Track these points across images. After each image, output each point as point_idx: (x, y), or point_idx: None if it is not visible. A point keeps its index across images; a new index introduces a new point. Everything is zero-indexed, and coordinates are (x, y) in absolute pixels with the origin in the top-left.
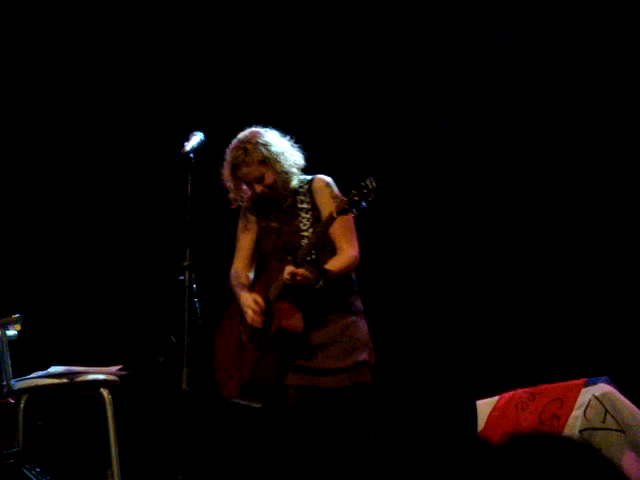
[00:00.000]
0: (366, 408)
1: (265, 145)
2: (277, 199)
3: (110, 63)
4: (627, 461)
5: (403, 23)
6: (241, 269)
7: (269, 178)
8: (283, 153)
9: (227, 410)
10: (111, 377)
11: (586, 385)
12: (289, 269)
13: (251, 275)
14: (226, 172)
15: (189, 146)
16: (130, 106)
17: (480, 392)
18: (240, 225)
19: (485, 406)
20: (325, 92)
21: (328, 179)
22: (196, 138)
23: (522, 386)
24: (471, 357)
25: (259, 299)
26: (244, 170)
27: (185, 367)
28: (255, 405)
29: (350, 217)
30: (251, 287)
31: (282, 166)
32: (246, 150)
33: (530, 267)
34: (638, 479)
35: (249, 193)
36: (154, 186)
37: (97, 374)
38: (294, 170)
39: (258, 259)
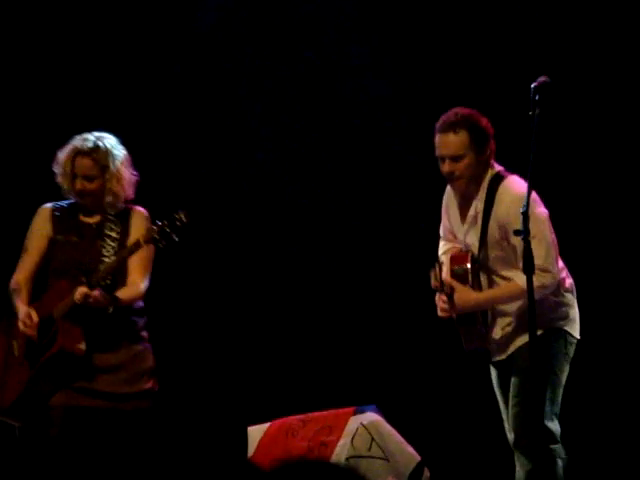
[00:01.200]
0: (146, 433)
1: (115, 157)
2: (86, 209)
3: None
4: None
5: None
6: (23, 280)
7: (97, 184)
8: (121, 176)
9: None
10: None
11: (354, 413)
12: (82, 290)
13: (29, 287)
14: (65, 155)
15: None
16: None
17: (251, 418)
18: (34, 231)
19: (256, 432)
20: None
21: (146, 212)
22: None
23: (293, 413)
24: (244, 383)
25: (33, 314)
26: (84, 161)
27: None
28: (14, 424)
29: (151, 249)
30: (35, 301)
31: (116, 186)
32: (97, 146)
33: (292, 293)
34: None
35: (70, 187)
36: None
37: None
38: (119, 197)
39: (42, 270)
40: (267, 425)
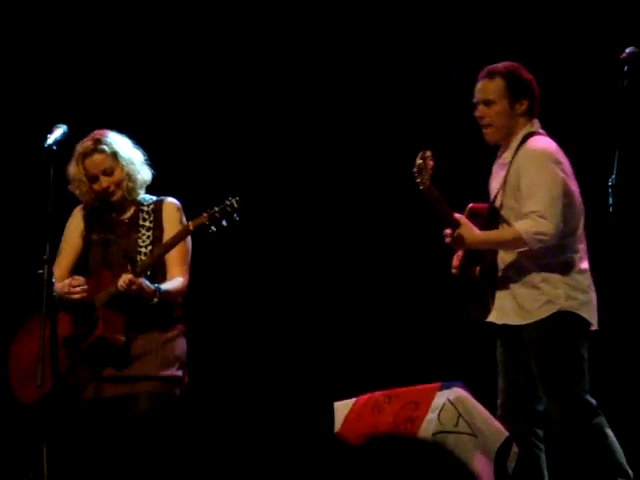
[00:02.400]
0: (170, 421)
1: (118, 142)
2: (118, 206)
3: None
4: (478, 465)
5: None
6: (60, 280)
7: (118, 174)
8: (134, 158)
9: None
10: None
11: (441, 389)
12: (126, 277)
13: None
14: (73, 165)
15: (52, 139)
16: None
17: (338, 394)
18: (69, 232)
19: (342, 408)
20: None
21: (178, 204)
22: (59, 131)
23: (379, 388)
24: (328, 359)
25: (76, 276)
26: (95, 157)
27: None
28: (55, 413)
29: (188, 244)
30: None
31: (132, 169)
32: (99, 141)
33: (379, 272)
34: None
35: (92, 194)
36: (14, 178)
37: None
38: (141, 180)
39: (79, 271)
40: (353, 400)
